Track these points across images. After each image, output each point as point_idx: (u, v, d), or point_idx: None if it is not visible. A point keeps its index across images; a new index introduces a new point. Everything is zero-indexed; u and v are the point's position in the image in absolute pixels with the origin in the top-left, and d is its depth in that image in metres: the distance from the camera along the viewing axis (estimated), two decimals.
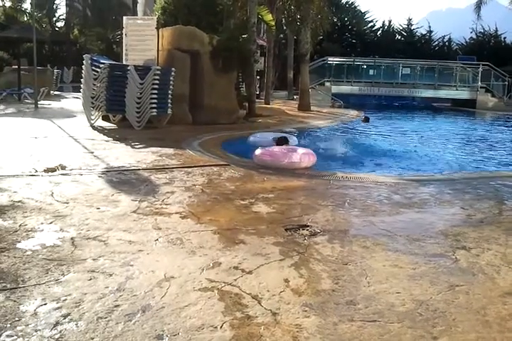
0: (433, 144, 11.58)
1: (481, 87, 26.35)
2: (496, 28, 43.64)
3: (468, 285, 3.01)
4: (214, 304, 2.66)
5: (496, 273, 3.24)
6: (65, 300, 2.65)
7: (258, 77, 21.45)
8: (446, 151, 10.39)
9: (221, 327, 2.42)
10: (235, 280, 2.96)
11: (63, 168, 6.08)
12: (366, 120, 16.26)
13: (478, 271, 3.25)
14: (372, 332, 2.43)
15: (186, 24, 12.63)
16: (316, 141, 11.49)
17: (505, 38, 43.95)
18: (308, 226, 4.08)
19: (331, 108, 21.62)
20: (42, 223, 3.91)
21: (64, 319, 2.46)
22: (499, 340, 2.40)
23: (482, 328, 2.51)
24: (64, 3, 40.12)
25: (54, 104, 16.48)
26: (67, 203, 4.52)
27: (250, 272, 3.09)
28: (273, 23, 20.93)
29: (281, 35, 31.84)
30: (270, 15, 20.22)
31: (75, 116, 12.84)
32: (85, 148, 7.83)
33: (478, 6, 30.15)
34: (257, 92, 20.54)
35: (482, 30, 44.01)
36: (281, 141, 8.02)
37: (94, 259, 3.22)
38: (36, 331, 2.33)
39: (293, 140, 8.96)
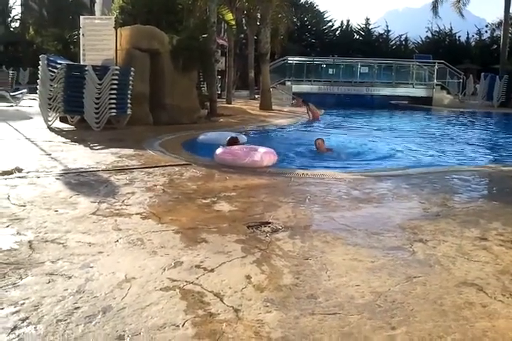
0: (392, 140, 11.79)
1: (436, 85, 27.06)
2: (451, 27, 44.90)
3: (425, 277, 3.09)
4: (176, 303, 2.65)
5: (451, 264, 3.33)
6: (23, 303, 2.59)
7: (219, 77, 21.42)
8: (401, 146, 10.59)
9: (183, 325, 2.42)
10: (197, 278, 2.96)
11: (20, 170, 5.93)
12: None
13: (435, 263, 3.34)
14: (333, 324, 2.47)
15: (145, 23, 12.51)
16: (276, 138, 11.59)
17: (459, 36, 45.31)
18: (269, 223, 4.11)
19: (291, 107, 21.75)
20: None
21: (22, 323, 2.40)
22: (454, 328, 2.47)
23: (439, 317, 2.58)
24: (19, 2, 39.11)
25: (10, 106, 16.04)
26: (24, 206, 4.41)
27: (212, 270, 3.10)
28: (233, 23, 20.97)
29: (242, 35, 31.89)
30: (230, 14, 20.23)
31: (31, 117, 12.53)
32: (42, 150, 7.66)
33: (434, 6, 30.96)
34: (219, 92, 20.52)
35: (437, 29, 45.19)
36: (233, 142, 7.89)
37: (52, 262, 3.16)
38: None
39: (242, 138, 8.94)
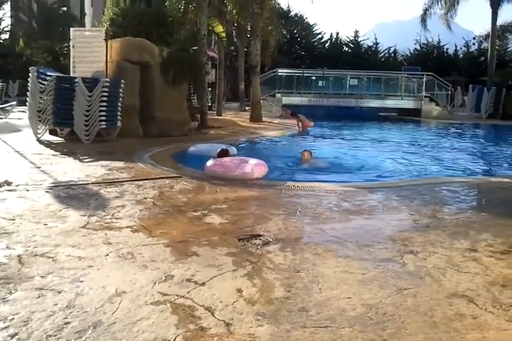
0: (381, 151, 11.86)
1: (425, 97, 27.33)
2: (439, 40, 45.49)
3: (416, 288, 3.10)
4: (167, 317, 2.63)
5: (442, 275, 3.34)
6: (13, 319, 2.57)
7: (210, 89, 21.49)
8: (391, 158, 10.65)
9: (174, 340, 2.40)
10: (188, 292, 2.95)
11: (9, 183, 5.89)
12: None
13: (425, 274, 3.35)
14: (325, 337, 2.47)
15: (136, 36, 12.55)
16: (266, 150, 11.62)
17: (447, 49, 45.93)
18: (260, 235, 4.11)
19: (280, 118, 21.81)
20: None
21: (11, 339, 2.37)
22: (445, 340, 2.48)
23: (430, 329, 2.58)
24: (9, 14, 39.17)
25: None
26: (14, 220, 4.38)
27: (203, 284, 3.08)
28: (223, 35, 21.09)
29: (232, 47, 32.11)
30: (221, 26, 20.36)
31: (20, 130, 12.47)
32: (32, 163, 7.62)
33: (423, 18, 31.35)
34: (209, 104, 20.57)
35: (426, 42, 45.77)
36: (224, 153, 7.85)
37: (42, 276, 3.13)
38: None
39: (232, 150, 8.93)
